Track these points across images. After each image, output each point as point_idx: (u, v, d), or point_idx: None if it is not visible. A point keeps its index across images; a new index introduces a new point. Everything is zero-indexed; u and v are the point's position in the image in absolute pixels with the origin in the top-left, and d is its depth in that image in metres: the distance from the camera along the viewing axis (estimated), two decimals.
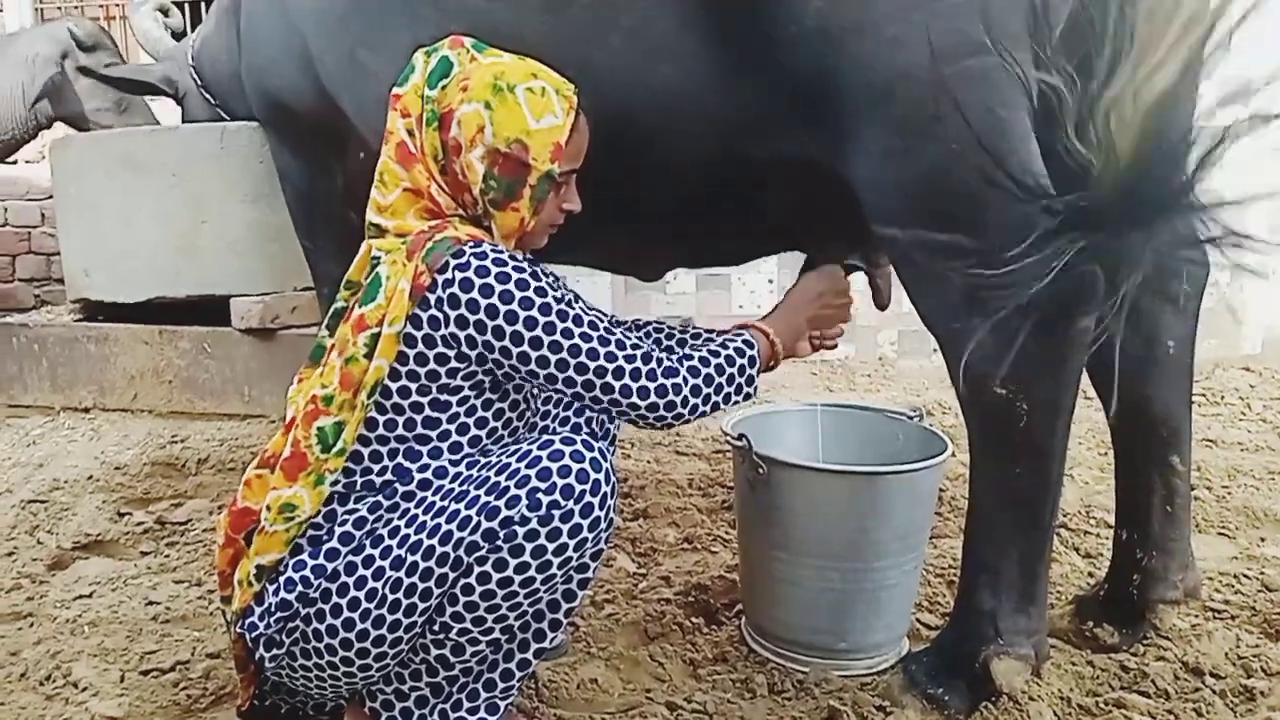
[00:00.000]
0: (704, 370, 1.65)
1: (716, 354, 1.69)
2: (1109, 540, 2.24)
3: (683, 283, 5.18)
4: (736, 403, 1.72)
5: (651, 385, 1.59)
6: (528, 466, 1.48)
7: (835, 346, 2.00)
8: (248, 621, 1.61)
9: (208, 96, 3.87)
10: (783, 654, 2.07)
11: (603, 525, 1.52)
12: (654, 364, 1.61)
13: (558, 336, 1.54)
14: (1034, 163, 1.64)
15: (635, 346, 1.60)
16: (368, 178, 2.66)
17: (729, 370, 1.68)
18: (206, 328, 4.17)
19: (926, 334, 1.79)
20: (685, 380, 1.62)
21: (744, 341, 1.73)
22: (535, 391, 1.75)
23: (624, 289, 5.13)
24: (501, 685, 1.66)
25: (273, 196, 4.01)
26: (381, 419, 1.59)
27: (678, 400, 1.61)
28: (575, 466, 1.48)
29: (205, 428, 3.98)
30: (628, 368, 1.58)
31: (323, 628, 1.54)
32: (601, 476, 1.50)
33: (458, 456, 1.61)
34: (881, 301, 2.15)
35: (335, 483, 1.60)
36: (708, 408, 1.66)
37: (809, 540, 2.00)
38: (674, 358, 1.65)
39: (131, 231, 4.10)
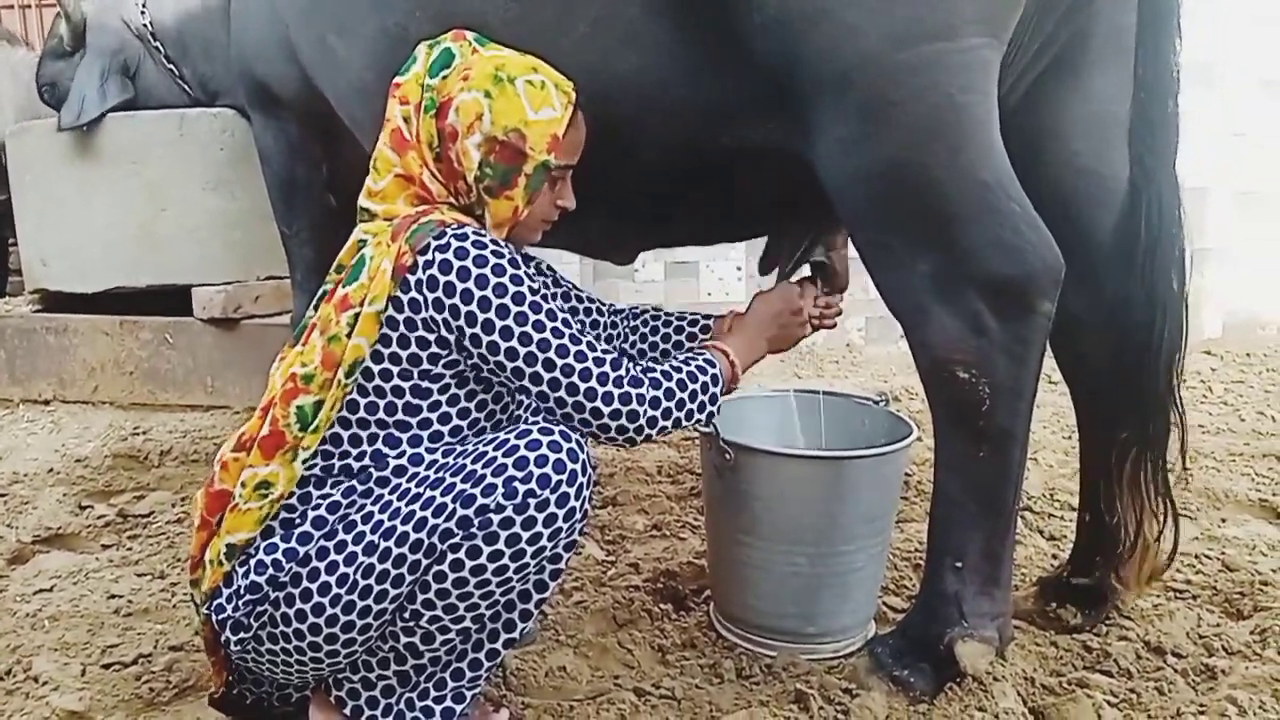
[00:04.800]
0: (666, 384, 1.63)
1: (679, 370, 1.67)
2: (1073, 523, 2.27)
3: (651, 270, 5.18)
4: (698, 421, 1.69)
5: (616, 392, 1.57)
6: (504, 455, 1.48)
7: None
8: (215, 603, 1.59)
9: (180, 79, 3.84)
10: (751, 639, 2.08)
11: (577, 516, 1.52)
12: (620, 371, 1.59)
13: (528, 329, 1.52)
14: (993, 148, 1.65)
15: (605, 353, 1.59)
16: (351, 164, 2.65)
17: (691, 386, 1.66)
18: (168, 318, 4.12)
19: (894, 320, 1.80)
20: (648, 392, 1.60)
21: (706, 360, 1.72)
22: None
23: (593, 275, 5.11)
24: (469, 675, 1.65)
25: (234, 184, 3.99)
26: (363, 401, 1.58)
27: (640, 411, 1.58)
28: (552, 456, 1.48)
29: (168, 419, 3.93)
30: (595, 370, 1.56)
31: (292, 612, 1.53)
32: (578, 467, 1.50)
33: (436, 445, 1.60)
34: (840, 284, 2.15)
35: (311, 465, 1.59)
36: (668, 423, 1.63)
37: (776, 525, 2.01)
38: (639, 369, 1.63)
39: (90, 220, 4.04)
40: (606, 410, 1.57)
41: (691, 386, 1.66)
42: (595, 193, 1.76)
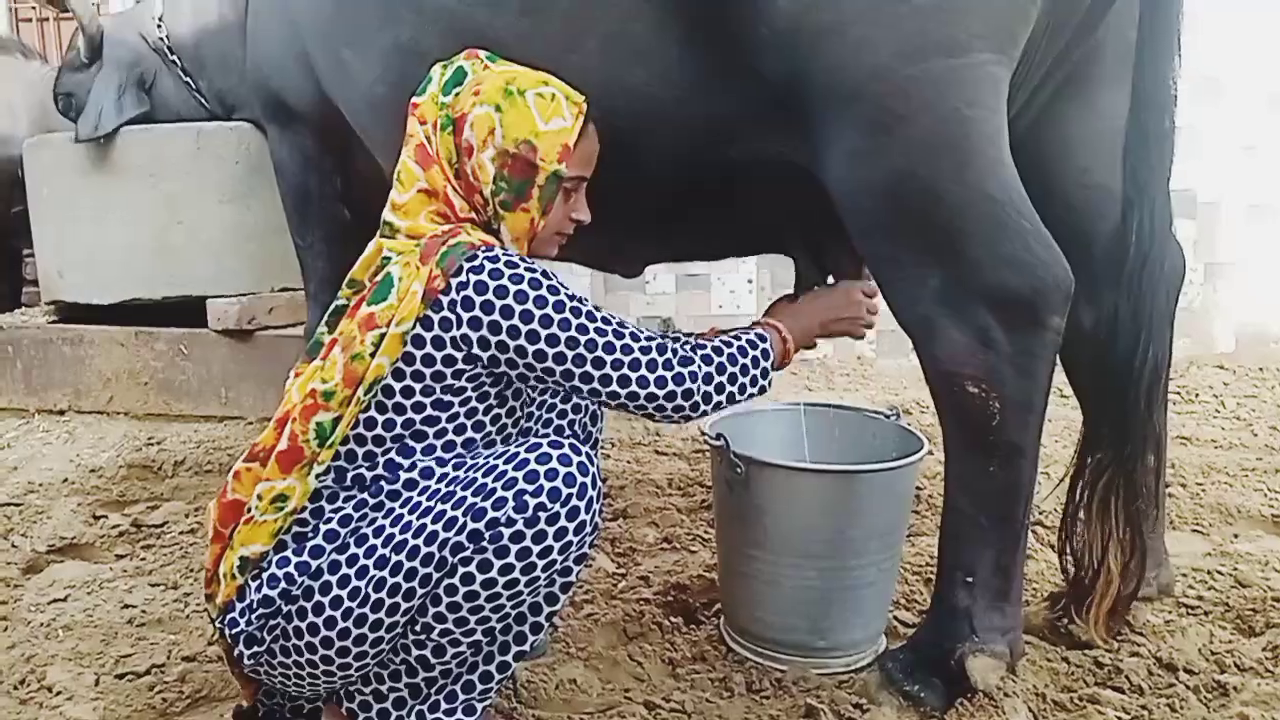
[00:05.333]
0: (717, 359, 1.67)
1: (730, 345, 1.71)
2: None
3: (662, 282, 5.18)
4: (751, 395, 1.73)
5: (669, 374, 1.61)
6: (515, 469, 1.49)
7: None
8: (229, 618, 1.60)
9: (196, 93, 3.87)
10: (761, 653, 2.08)
11: (587, 529, 1.52)
12: (669, 354, 1.63)
13: (573, 333, 1.56)
14: (1002, 164, 1.66)
15: (649, 338, 1.63)
16: (365, 177, 2.67)
17: (742, 361, 1.70)
18: (183, 329, 4.14)
19: (904, 334, 1.80)
20: (699, 369, 1.64)
21: (757, 335, 1.75)
22: (529, 398, 1.75)
23: (604, 289, 5.13)
24: (480, 687, 1.66)
25: (249, 196, 4.01)
26: (381, 418, 1.59)
27: (694, 388, 1.63)
28: (562, 470, 1.49)
29: (182, 430, 3.95)
30: (644, 359, 1.60)
31: (304, 625, 1.54)
32: (588, 481, 1.51)
33: (448, 456, 1.61)
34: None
35: (325, 477, 1.60)
36: (723, 398, 1.67)
37: (787, 539, 2.01)
38: (688, 348, 1.67)
39: (106, 232, 4.07)
40: (662, 392, 1.61)
41: (742, 360, 1.70)
42: (605, 205, 1.77)
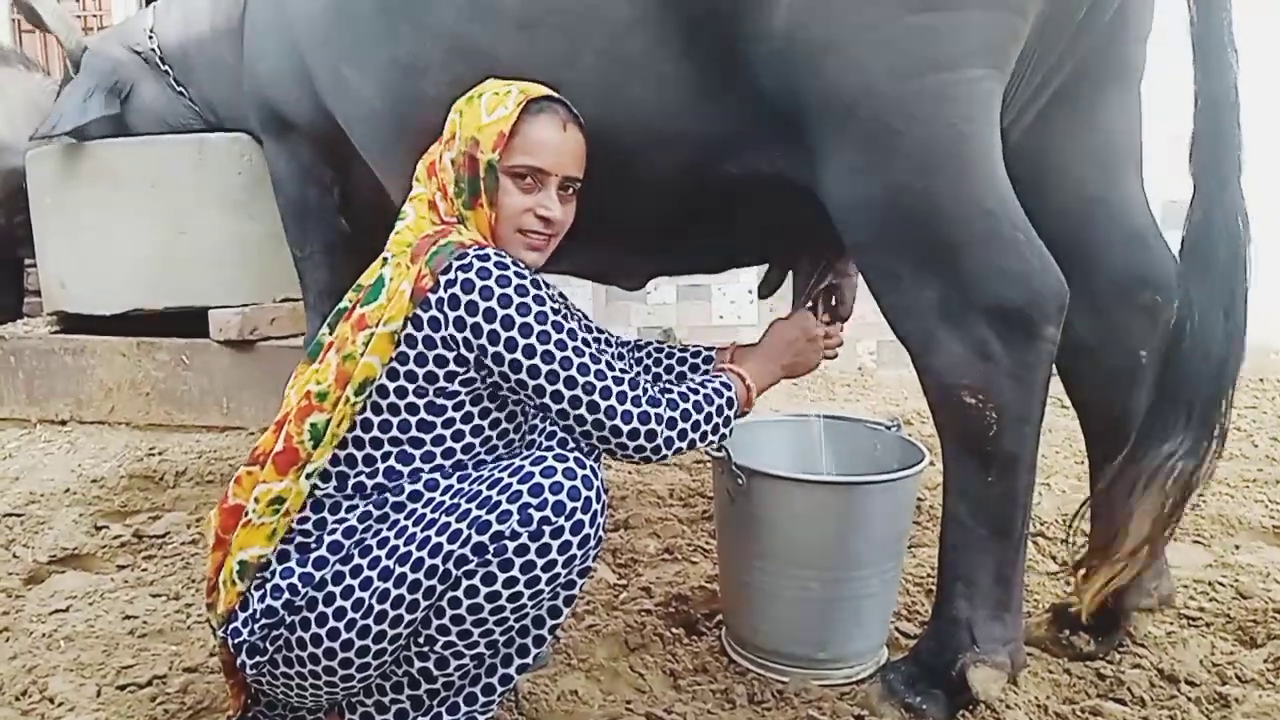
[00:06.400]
0: (683, 405, 1.66)
1: (696, 391, 1.70)
2: (1086, 549, 2.26)
3: (663, 293, 5.19)
4: (711, 443, 1.72)
5: (635, 411, 1.59)
6: (519, 481, 1.49)
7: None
8: (231, 627, 1.61)
9: (189, 101, 3.86)
10: (763, 664, 2.08)
11: (592, 543, 1.53)
12: (639, 391, 1.61)
13: (550, 348, 1.55)
14: (996, 176, 1.67)
15: (623, 372, 1.62)
16: (363, 188, 2.68)
17: (707, 409, 1.69)
18: (185, 339, 4.15)
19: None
20: (665, 413, 1.62)
21: (722, 383, 1.74)
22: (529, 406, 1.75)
23: (605, 299, 5.13)
24: (482, 699, 1.66)
25: (251, 207, 4.02)
26: (376, 420, 1.60)
27: (658, 430, 1.61)
28: (567, 483, 1.49)
29: (183, 440, 3.96)
30: (614, 389, 1.58)
31: (307, 637, 1.54)
32: (592, 494, 1.51)
33: (449, 463, 1.62)
34: (844, 313, 2.15)
35: (325, 485, 1.60)
36: (684, 444, 1.66)
37: (788, 550, 2.01)
38: (657, 389, 1.65)
39: (109, 243, 4.08)
40: (625, 429, 1.59)
41: (708, 409, 1.69)
42: (604, 219, 1.78)
